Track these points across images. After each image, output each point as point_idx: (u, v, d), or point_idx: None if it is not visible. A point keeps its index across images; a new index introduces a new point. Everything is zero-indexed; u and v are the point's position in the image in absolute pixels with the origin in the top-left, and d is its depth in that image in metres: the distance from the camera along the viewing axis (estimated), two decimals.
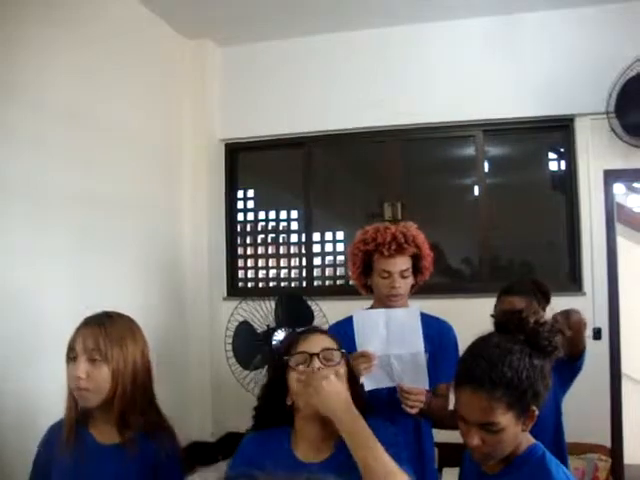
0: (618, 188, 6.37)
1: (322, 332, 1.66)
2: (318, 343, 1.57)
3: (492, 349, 1.36)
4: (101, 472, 1.59)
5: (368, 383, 2.05)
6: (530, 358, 1.34)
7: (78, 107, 2.93)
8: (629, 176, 3.72)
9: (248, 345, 2.97)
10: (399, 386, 2.07)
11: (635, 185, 6.31)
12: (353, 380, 1.64)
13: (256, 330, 3.06)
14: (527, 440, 1.42)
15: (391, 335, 2.05)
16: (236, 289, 4.13)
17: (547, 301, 2.48)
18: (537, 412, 1.35)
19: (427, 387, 2.07)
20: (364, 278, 2.32)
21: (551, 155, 3.90)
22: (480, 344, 1.42)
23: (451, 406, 2.29)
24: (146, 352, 1.70)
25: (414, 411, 2.06)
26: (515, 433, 1.35)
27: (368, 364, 1.99)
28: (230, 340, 3.00)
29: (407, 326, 2.06)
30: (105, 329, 1.59)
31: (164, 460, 1.60)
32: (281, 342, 1.80)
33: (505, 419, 1.32)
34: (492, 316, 1.72)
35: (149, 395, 1.70)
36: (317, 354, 1.54)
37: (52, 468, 1.66)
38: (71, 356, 1.60)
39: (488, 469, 1.45)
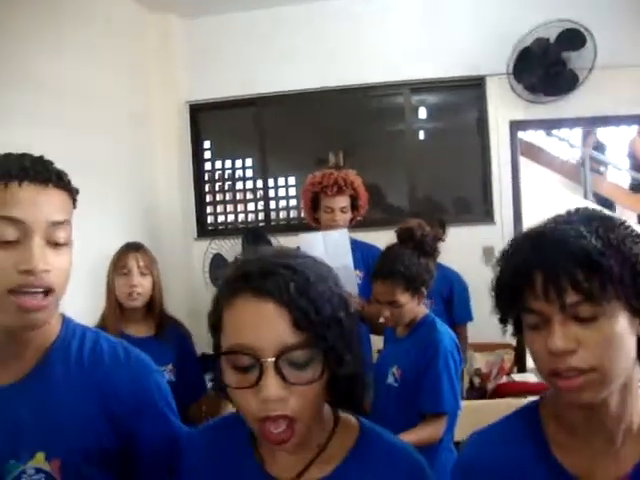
0: (538, 135, 7.17)
1: (269, 294, 0.86)
2: (269, 328, 0.86)
3: (393, 252, 2.10)
4: None
5: None
6: (418, 258, 2.08)
7: (65, 81, 3.36)
8: (530, 126, 4.49)
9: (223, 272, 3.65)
10: None
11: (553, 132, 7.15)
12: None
13: (227, 260, 3.75)
14: (423, 312, 2.17)
15: (328, 252, 2.72)
16: (205, 230, 4.77)
17: (442, 226, 3.25)
18: (425, 292, 2.10)
19: (356, 293, 2.77)
20: (313, 212, 3.03)
21: (468, 107, 4.58)
22: (386, 251, 2.16)
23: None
24: None
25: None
26: (412, 307, 2.10)
27: None
28: (207, 269, 3.69)
29: (339, 244, 2.73)
30: (147, 252, 2.29)
31: (189, 345, 2.36)
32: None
33: (404, 298, 2.06)
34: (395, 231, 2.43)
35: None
36: (275, 360, 0.84)
37: None
38: (124, 272, 2.28)
39: (399, 333, 2.20)
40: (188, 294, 4.38)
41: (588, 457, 0.92)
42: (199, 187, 4.81)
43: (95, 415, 1.07)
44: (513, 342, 4.24)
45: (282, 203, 4.81)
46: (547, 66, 3.98)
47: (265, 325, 0.85)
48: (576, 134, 7.64)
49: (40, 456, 1.02)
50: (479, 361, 3.97)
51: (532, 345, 0.91)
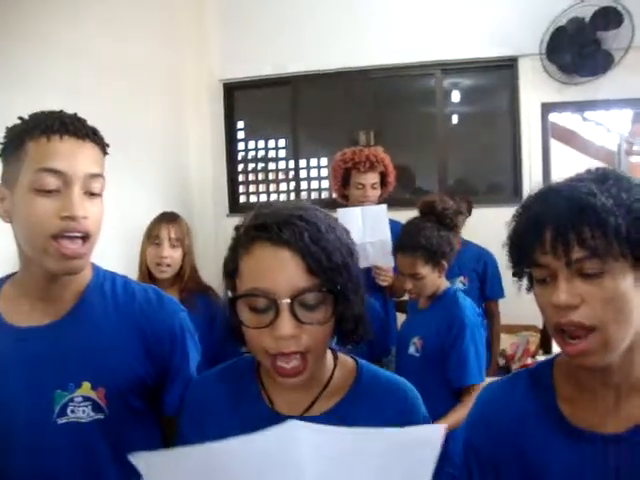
0: (574, 118, 7.02)
1: (288, 244, 0.93)
2: (284, 273, 0.93)
3: (414, 226, 2.15)
4: None
5: None
6: (438, 231, 2.12)
7: (104, 55, 3.38)
8: (562, 108, 4.43)
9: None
10: (374, 265, 2.79)
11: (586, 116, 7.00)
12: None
13: None
14: (444, 284, 2.21)
15: (366, 226, 2.72)
16: (237, 207, 4.85)
17: (469, 206, 3.29)
18: (446, 265, 2.14)
19: (392, 265, 2.78)
20: (343, 189, 3.06)
21: (500, 89, 4.53)
22: (407, 224, 2.21)
23: None
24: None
25: (386, 283, 2.80)
26: (433, 279, 2.15)
27: None
28: None
29: (377, 219, 2.72)
30: (181, 223, 2.35)
31: (217, 311, 2.40)
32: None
33: (424, 270, 2.11)
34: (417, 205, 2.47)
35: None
36: (290, 302, 0.92)
37: None
38: (155, 242, 2.34)
39: (421, 305, 2.25)
40: (218, 266, 4.44)
41: (594, 411, 0.96)
42: (232, 166, 4.89)
43: (133, 348, 1.19)
44: (539, 324, 4.23)
45: (314, 184, 4.87)
46: (581, 46, 3.93)
47: (281, 270, 0.93)
48: (613, 119, 7.46)
49: (86, 385, 1.12)
50: (504, 342, 3.99)
51: (539, 299, 0.94)
